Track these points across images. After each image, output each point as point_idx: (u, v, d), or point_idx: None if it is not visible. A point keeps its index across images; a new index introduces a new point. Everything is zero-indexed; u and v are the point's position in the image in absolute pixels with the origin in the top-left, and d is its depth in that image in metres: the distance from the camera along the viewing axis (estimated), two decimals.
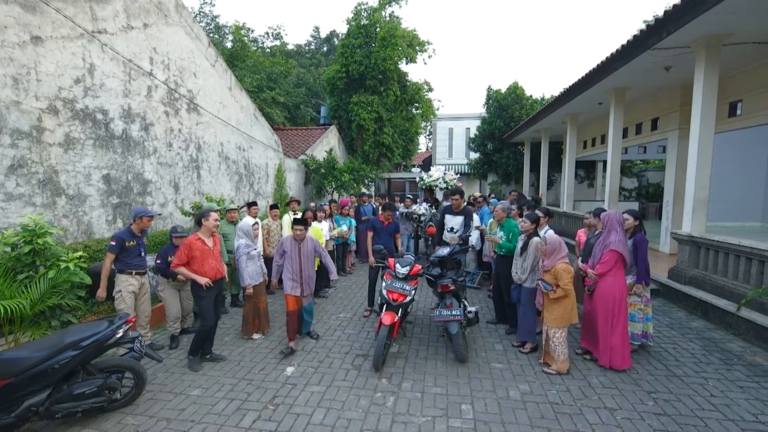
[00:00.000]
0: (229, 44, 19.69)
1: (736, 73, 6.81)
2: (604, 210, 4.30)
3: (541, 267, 3.87)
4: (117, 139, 5.74)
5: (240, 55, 18.16)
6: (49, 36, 4.68)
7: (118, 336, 3.08)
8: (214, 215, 3.96)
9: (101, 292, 3.96)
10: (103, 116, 5.50)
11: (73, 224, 5.05)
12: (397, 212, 8.45)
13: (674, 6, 4.73)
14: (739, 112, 6.96)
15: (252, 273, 4.50)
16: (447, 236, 5.63)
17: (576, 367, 3.89)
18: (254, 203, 6.24)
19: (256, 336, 4.65)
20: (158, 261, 4.57)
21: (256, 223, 4.89)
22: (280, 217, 6.92)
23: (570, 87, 8.70)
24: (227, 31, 21.22)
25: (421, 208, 9.14)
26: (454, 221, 5.65)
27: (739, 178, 9.31)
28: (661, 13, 4.97)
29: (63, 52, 4.86)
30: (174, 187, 7.04)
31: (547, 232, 4.15)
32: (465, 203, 6.35)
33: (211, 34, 20.60)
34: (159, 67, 6.62)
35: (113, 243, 3.99)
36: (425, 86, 19.18)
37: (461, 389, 3.51)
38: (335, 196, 14.13)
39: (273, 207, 6.34)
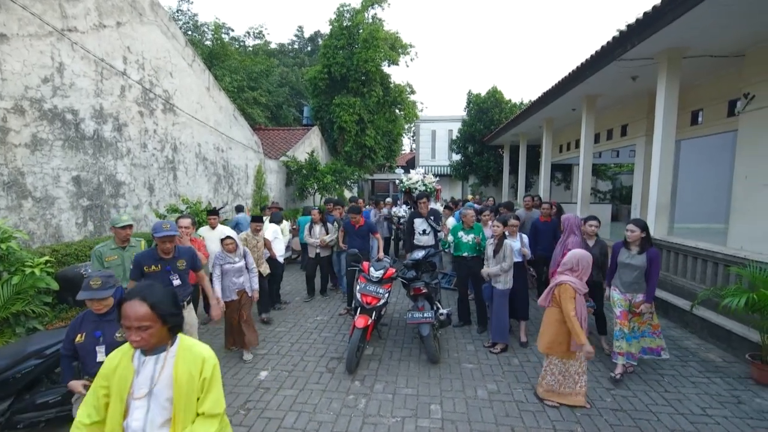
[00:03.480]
0: (208, 43, 19.34)
1: (697, 84, 7.17)
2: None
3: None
4: (88, 139, 5.62)
5: (219, 55, 17.88)
6: (15, 34, 4.55)
7: None
8: (182, 221, 4.03)
9: None
10: (73, 116, 5.37)
11: (40, 227, 4.92)
12: (378, 214, 8.52)
13: (636, 20, 4.97)
14: (700, 120, 7.33)
15: (220, 288, 4.04)
16: (421, 240, 5.73)
17: (542, 365, 4.03)
18: (214, 212, 5.58)
19: (246, 357, 4.21)
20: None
21: (229, 237, 4.15)
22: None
23: (545, 93, 8.96)
24: (206, 30, 20.84)
25: (401, 210, 9.24)
26: (424, 224, 5.77)
27: (705, 182, 9.76)
28: (631, 23, 5.20)
29: (30, 50, 4.74)
30: (149, 188, 6.93)
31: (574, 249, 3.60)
32: (444, 205, 6.43)
33: (190, 33, 20.20)
34: (133, 66, 6.50)
35: (132, 267, 3.31)
36: (408, 88, 19.33)
37: (432, 390, 3.60)
38: (317, 197, 14.11)
39: (255, 219, 5.10)
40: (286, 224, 7.31)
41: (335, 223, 6.24)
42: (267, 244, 5.36)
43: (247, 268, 4.22)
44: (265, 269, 5.18)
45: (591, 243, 4.23)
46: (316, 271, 6.38)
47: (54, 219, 5.12)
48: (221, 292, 4.03)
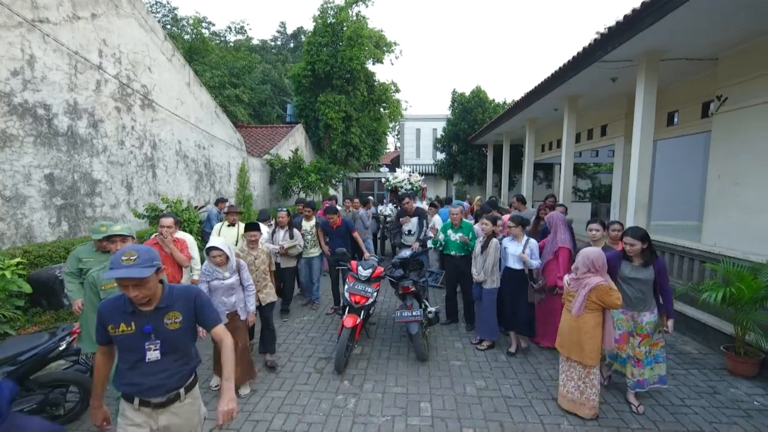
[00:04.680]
0: (187, 37, 18.85)
1: (673, 86, 7.42)
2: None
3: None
4: (61, 136, 5.38)
5: (199, 50, 17.45)
6: None
7: (61, 348, 2.91)
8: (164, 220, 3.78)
9: None
10: (46, 111, 5.14)
11: (11, 228, 4.69)
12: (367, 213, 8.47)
13: (617, 23, 5.10)
14: (676, 121, 7.59)
15: None
16: (407, 240, 5.75)
17: (528, 361, 4.11)
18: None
19: (243, 391, 3.49)
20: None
21: (216, 248, 3.23)
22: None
23: (528, 94, 9.11)
24: (186, 24, 20.30)
25: (387, 209, 9.23)
26: (410, 224, 5.79)
27: (680, 181, 10.14)
28: (611, 26, 5.33)
29: None
30: (126, 187, 6.70)
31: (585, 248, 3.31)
32: (429, 204, 6.46)
33: (168, 27, 19.63)
34: (109, 60, 6.26)
35: (96, 324, 2.37)
36: (392, 87, 19.33)
37: (421, 388, 3.61)
38: (302, 196, 13.94)
39: (250, 227, 3.92)
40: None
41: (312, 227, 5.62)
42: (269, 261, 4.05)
43: (241, 284, 3.43)
44: (268, 296, 3.94)
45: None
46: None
47: (25, 219, 4.88)
48: None
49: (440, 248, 5.19)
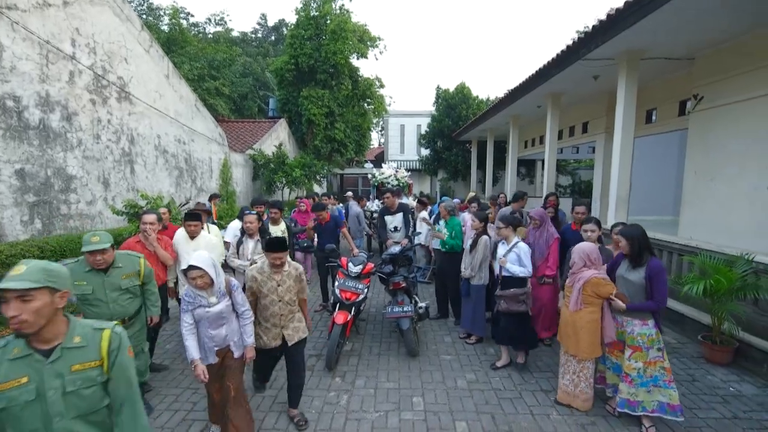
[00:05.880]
0: (165, 28, 18.20)
1: (652, 85, 7.64)
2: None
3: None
4: (33, 129, 5.12)
5: (177, 41, 16.88)
6: None
7: None
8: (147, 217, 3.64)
9: None
10: (15, 103, 4.87)
11: None
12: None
13: (601, 21, 5.20)
14: (654, 118, 7.84)
15: (195, 345, 2.53)
16: (394, 236, 5.73)
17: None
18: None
19: None
20: None
21: (195, 268, 2.43)
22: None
23: (512, 91, 9.22)
24: (163, 14, 19.59)
25: (374, 205, 9.21)
26: (395, 220, 5.76)
27: (656, 178, 10.49)
28: (595, 24, 5.43)
29: None
30: (103, 183, 6.44)
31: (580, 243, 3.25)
32: (416, 200, 6.46)
33: (144, 16, 18.91)
34: (83, 50, 5.99)
35: None
36: (377, 82, 19.22)
37: (413, 382, 3.63)
38: (286, 192, 13.75)
39: (272, 246, 2.83)
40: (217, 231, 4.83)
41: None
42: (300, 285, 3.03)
43: (234, 311, 2.66)
44: (296, 331, 2.98)
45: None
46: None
47: None
48: (197, 351, 2.52)
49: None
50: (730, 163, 5.37)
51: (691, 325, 4.50)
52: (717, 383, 3.60)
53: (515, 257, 3.71)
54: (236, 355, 2.65)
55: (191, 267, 2.44)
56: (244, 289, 2.91)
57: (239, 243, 4.18)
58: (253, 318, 2.77)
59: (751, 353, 3.80)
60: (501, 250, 3.85)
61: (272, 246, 2.81)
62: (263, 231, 4.27)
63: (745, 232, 5.00)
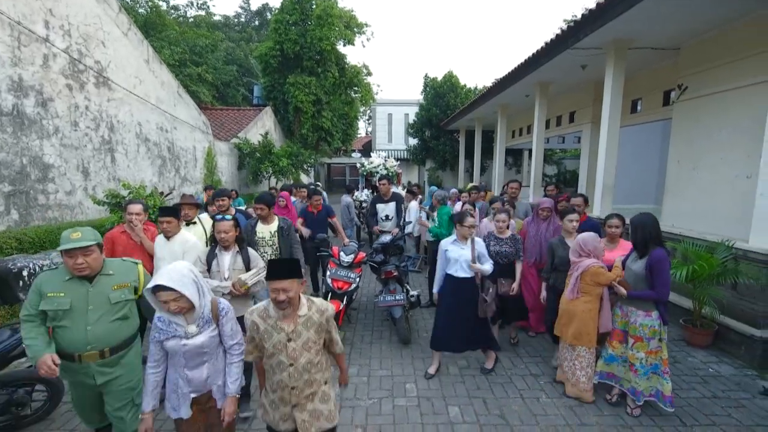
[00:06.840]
0: (142, 11, 17.48)
1: (637, 75, 7.74)
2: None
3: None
4: (6, 116, 4.88)
5: (156, 24, 16.25)
6: None
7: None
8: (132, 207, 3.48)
9: None
10: None
11: None
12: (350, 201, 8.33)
13: (590, 10, 5.21)
14: (639, 108, 7.96)
15: (152, 387, 1.90)
16: (385, 225, 5.70)
17: (506, 339, 4.26)
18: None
19: None
20: None
21: (165, 289, 1.74)
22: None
23: (501, 79, 9.21)
24: None
25: (363, 195, 9.17)
26: (387, 209, 5.72)
27: (638, 166, 10.70)
28: (580, 15, 5.44)
29: None
30: (83, 172, 6.21)
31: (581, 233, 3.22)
32: (405, 190, 6.44)
33: None
34: (57, 32, 5.69)
35: None
36: (364, 70, 18.97)
37: (405, 369, 3.66)
38: (273, 182, 13.54)
39: (274, 273, 1.74)
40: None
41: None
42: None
43: (221, 343, 2.01)
44: (316, 419, 1.87)
45: (570, 241, 3.40)
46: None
47: None
48: (155, 398, 1.90)
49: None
50: (713, 152, 5.51)
51: (673, 309, 4.65)
52: (697, 365, 3.74)
53: (478, 255, 3.31)
54: (218, 405, 1.98)
55: (160, 287, 1.73)
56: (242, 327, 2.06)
57: (211, 256, 2.86)
58: (243, 357, 1.97)
59: (729, 336, 3.96)
60: (461, 252, 3.33)
61: (274, 272, 1.72)
62: (240, 239, 2.96)
63: (727, 219, 5.15)
